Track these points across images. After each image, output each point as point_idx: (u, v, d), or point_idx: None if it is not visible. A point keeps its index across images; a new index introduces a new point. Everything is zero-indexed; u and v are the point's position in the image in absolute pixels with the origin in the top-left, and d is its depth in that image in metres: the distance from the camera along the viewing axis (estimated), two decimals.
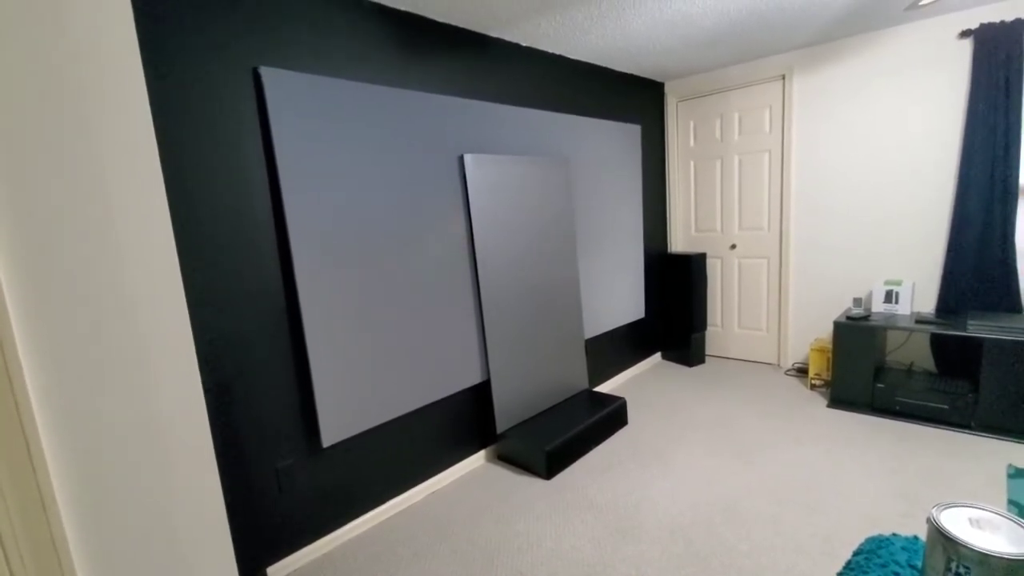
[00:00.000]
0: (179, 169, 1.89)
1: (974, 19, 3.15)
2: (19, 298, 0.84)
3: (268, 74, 2.04)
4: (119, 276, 0.93)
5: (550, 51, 3.37)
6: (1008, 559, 0.98)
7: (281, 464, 2.23)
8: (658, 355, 4.82)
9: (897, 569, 1.22)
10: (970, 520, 1.10)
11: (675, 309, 4.55)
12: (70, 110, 0.88)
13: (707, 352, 4.79)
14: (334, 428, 2.31)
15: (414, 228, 2.58)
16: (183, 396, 1.01)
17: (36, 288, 0.85)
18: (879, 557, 1.27)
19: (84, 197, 0.90)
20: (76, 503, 0.90)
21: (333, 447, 2.41)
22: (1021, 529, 1.06)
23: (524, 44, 3.19)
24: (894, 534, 1.37)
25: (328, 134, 2.23)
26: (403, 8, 2.51)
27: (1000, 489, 2.44)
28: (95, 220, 0.91)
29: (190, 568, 1.03)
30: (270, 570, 2.21)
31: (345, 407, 2.35)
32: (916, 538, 1.34)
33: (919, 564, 1.23)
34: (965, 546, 1.02)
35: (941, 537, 1.06)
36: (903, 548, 1.30)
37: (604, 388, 4.12)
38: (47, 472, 0.85)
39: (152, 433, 0.98)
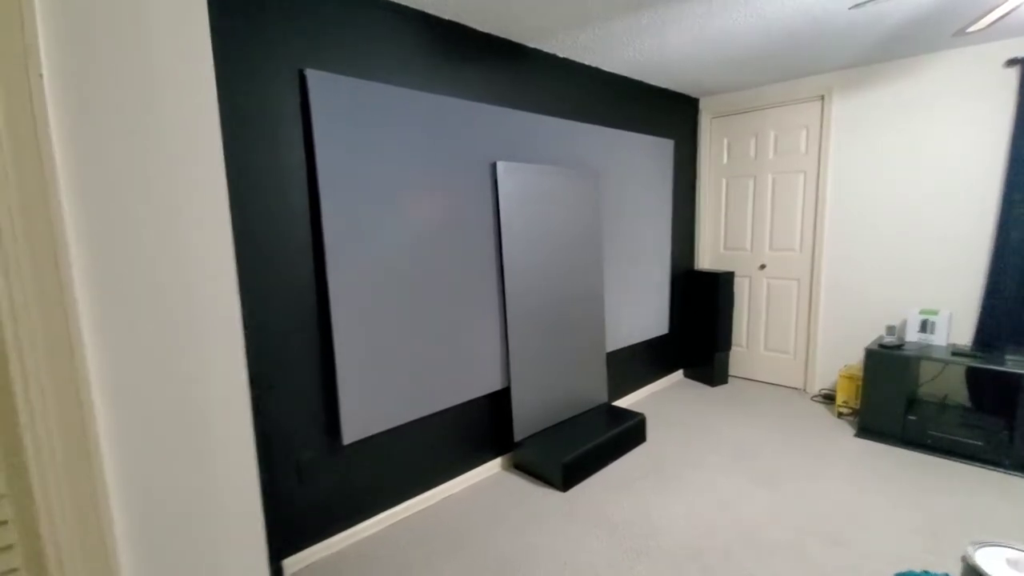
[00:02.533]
0: (225, 162, 1.94)
1: (1022, 48, 3.07)
2: (89, 287, 0.88)
3: (313, 76, 2.09)
4: (181, 267, 0.97)
5: (586, 63, 3.38)
6: None
7: (302, 460, 2.25)
8: (680, 373, 4.76)
9: None
10: (1008, 561, 1.06)
11: (700, 327, 4.49)
12: (147, 112, 0.93)
13: (731, 372, 4.71)
14: (356, 426, 2.34)
15: (444, 231, 2.61)
16: (229, 388, 1.04)
17: (104, 278, 0.89)
18: None
19: (152, 191, 0.94)
20: (124, 483, 0.93)
21: (353, 445, 2.43)
22: None
23: (561, 55, 3.21)
24: (925, 572, 1.32)
25: (367, 136, 2.27)
26: (446, 17, 2.55)
27: None
28: (161, 212, 0.95)
29: (223, 557, 1.05)
30: (286, 562, 2.23)
31: (367, 406, 2.37)
32: None
33: None
34: None
35: None
36: None
37: (623, 403, 4.08)
38: (101, 454, 0.89)
39: (199, 421, 1.01)
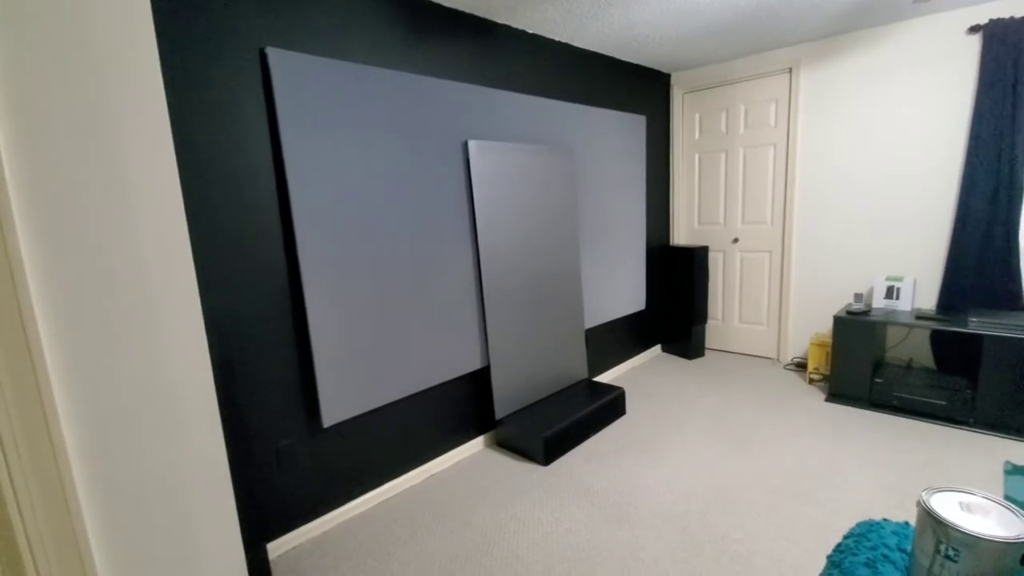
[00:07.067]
0: (187, 147, 1.90)
1: (983, 15, 3.13)
2: (38, 265, 0.87)
3: (275, 55, 2.04)
4: (133, 247, 0.95)
5: (556, 39, 3.36)
6: (998, 542, 0.99)
7: (282, 443, 2.25)
8: (658, 347, 4.84)
9: (886, 552, 1.23)
10: (960, 504, 1.11)
11: (676, 302, 4.56)
12: (90, 90, 0.91)
13: (707, 345, 4.81)
14: (335, 409, 2.33)
15: (417, 212, 2.59)
16: (191, 362, 1.03)
17: (54, 256, 0.88)
18: (869, 540, 1.29)
19: (101, 171, 0.92)
20: (86, 462, 0.92)
21: (333, 427, 2.43)
22: (1011, 513, 1.07)
23: (530, 31, 3.18)
24: (885, 519, 1.38)
25: (333, 116, 2.23)
26: None
27: (997, 485, 2.46)
28: (111, 191, 0.94)
29: (195, 533, 1.05)
30: (270, 546, 2.23)
31: (346, 388, 2.37)
32: (907, 524, 1.36)
33: (909, 548, 1.24)
34: (955, 529, 1.03)
35: (931, 520, 1.07)
36: (893, 532, 1.31)
37: (603, 378, 4.14)
38: (60, 431, 0.88)
39: (160, 397, 1.00)
